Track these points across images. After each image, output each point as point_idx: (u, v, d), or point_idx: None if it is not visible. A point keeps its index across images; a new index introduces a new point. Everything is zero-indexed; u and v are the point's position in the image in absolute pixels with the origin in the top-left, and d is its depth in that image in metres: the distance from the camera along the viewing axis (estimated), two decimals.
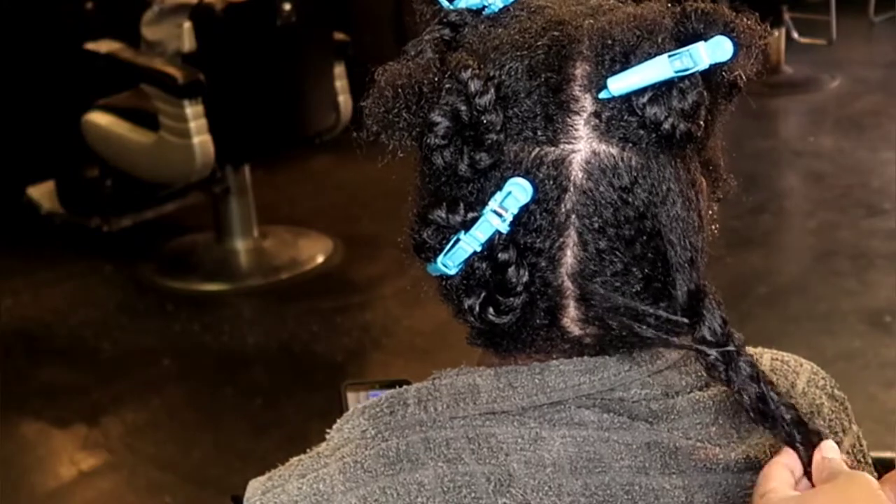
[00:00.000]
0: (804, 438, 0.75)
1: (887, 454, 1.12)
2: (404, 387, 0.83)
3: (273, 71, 3.98)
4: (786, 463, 0.74)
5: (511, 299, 0.76)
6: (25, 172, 4.36)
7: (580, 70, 0.74)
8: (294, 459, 0.83)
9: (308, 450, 0.84)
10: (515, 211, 0.74)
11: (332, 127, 4.20)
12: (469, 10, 0.80)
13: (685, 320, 0.75)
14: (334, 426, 0.84)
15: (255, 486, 0.82)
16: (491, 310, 0.76)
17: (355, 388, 1.16)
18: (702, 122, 0.74)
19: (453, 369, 0.83)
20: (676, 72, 0.72)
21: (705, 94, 0.74)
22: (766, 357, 0.90)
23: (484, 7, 0.80)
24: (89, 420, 3.28)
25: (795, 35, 6.27)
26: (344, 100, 4.16)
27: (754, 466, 0.80)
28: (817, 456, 0.74)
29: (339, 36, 4.16)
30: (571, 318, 0.78)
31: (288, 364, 3.54)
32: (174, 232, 4.44)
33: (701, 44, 0.72)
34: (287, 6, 3.86)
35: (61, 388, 3.44)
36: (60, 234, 4.31)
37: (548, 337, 0.79)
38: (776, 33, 6.08)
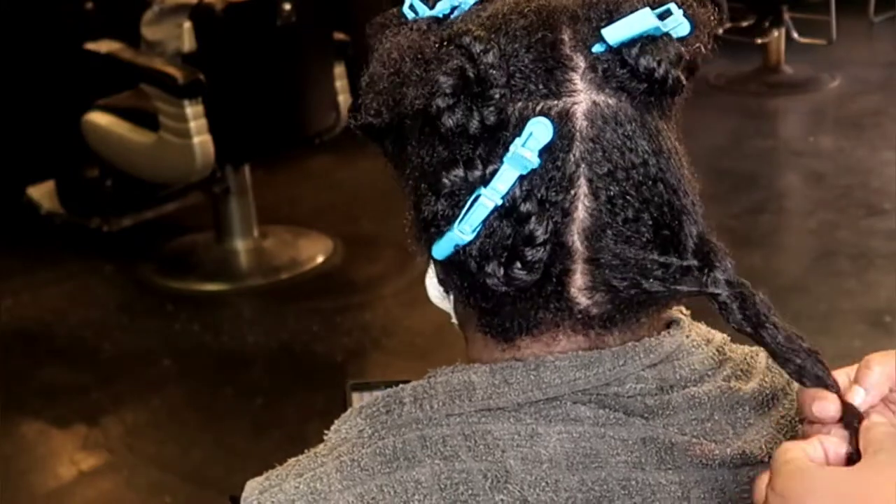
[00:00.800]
0: (833, 384, 0.75)
1: None
2: (400, 385, 0.83)
3: (273, 71, 3.98)
4: (804, 447, 0.72)
5: (537, 250, 0.76)
6: (25, 172, 4.36)
7: (568, 34, 0.77)
8: (291, 460, 0.84)
9: (307, 450, 0.84)
10: (537, 153, 0.75)
11: (332, 127, 4.20)
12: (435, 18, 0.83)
13: (696, 263, 0.77)
14: (332, 427, 0.85)
15: (252, 486, 0.82)
16: (518, 265, 0.76)
17: (360, 389, 1.16)
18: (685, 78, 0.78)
19: (448, 367, 0.83)
20: (658, 27, 0.76)
21: (682, 49, 0.77)
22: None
23: (454, 9, 0.83)
24: (89, 420, 3.28)
25: (795, 35, 6.27)
26: (344, 100, 4.16)
27: (750, 462, 0.80)
28: (864, 422, 0.72)
29: (339, 36, 4.16)
30: (579, 287, 0.78)
31: (288, 364, 3.54)
32: (174, 232, 4.44)
33: (673, 5, 0.77)
34: (287, 6, 3.86)
35: (61, 388, 3.44)
36: (60, 234, 4.31)
37: (557, 309, 0.79)
38: (776, 33, 6.09)
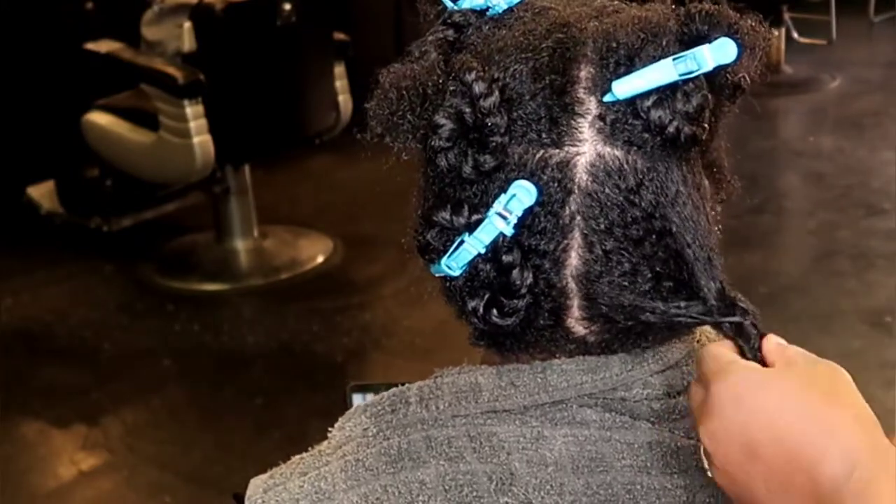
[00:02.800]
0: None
1: None
2: (406, 385, 0.83)
3: (273, 71, 3.98)
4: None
5: (515, 301, 0.75)
6: (25, 172, 4.36)
7: (584, 73, 0.74)
8: (296, 458, 0.83)
9: (309, 449, 0.84)
10: (520, 213, 0.73)
11: (332, 127, 4.20)
12: (473, 10, 0.80)
13: (724, 319, 0.74)
14: (336, 424, 0.84)
15: (256, 484, 0.82)
16: (495, 311, 0.76)
17: (361, 391, 1.16)
18: (706, 125, 0.74)
19: (455, 368, 0.83)
20: (681, 75, 0.72)
21: (709, 96, 0.73)
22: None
23: (488, 8, 0.80)
24: (89, 420, 3.28)
25: (795, 35, 6.27)
26: (344, 100, 4.16)
27: None
28: (769, 342, 0.72)
29: (339, 36, 4.16)
30: (576, 318, 0.78)
31: (288, 364, 3.54)
32: (174, 232, 4.44)
33: (705, 46, 0.72)
34: (287, 6, 3.86)
35: (61, 388, 3.44)
36: (60, 234, 4.31)
37: (552, 338, 0.79)
38: (776, 33, 6.09)
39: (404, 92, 0.76)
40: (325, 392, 3.21)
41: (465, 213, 0.75)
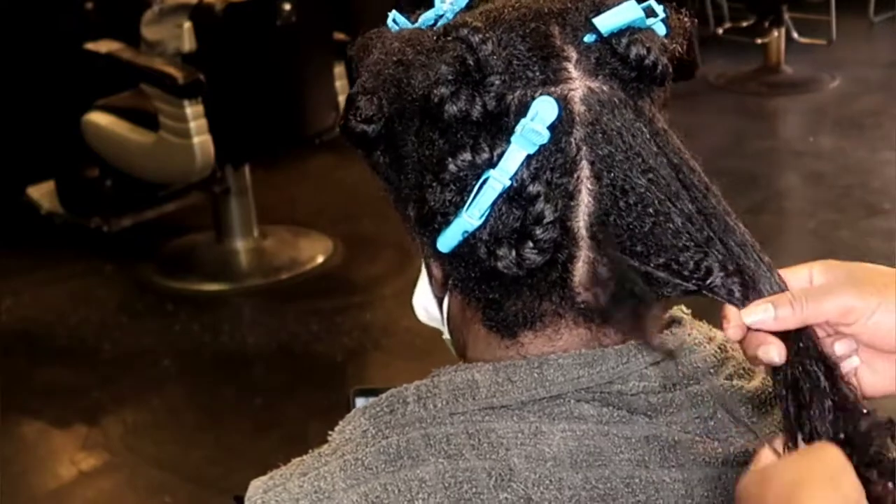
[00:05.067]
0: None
1: None
2: (404, 385, 0.83)
3: (273, 71, 3.98)
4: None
5: (547, 229, 0.76)
6: (25, 172, 4.36)
7: (557, 29, 0.79)
8: (295, 460, 0.84)
9: (310, 450, 0.84)
10: (545, 132, 0.76)
11: (332, 127, 4.20)
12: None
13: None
14: (336, 428, 0.85)
15: (256, 486, 0.82)
16: (529, 244, 0.76)
17: (364, 395, 1.16)
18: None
19: (451, 366, 0.83)
20: (642, 19, 0.78)
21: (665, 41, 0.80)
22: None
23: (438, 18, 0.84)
24: (89, 420, 3.29)
25: (795, 35, 6.27)
26: (344, 100, 4.15)
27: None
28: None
29: (339, 36, 4.16)
30: (580, 279, 0.79)
31: (288, 364, 3.54)
32: (174, 232, 4.44)
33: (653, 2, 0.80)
34: (287, 6, 3.86)
35: (61, 388, 3.44)
36: (60, 234, 4.31)
37: (560, 298, 0.79)
38: (776, 33, 6.09)
39: (406, 44, 0.81)
40: (325, 392, 3.21)
41: (487, 150, 0.77)
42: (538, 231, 0.76)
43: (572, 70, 0.78)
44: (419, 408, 0.81)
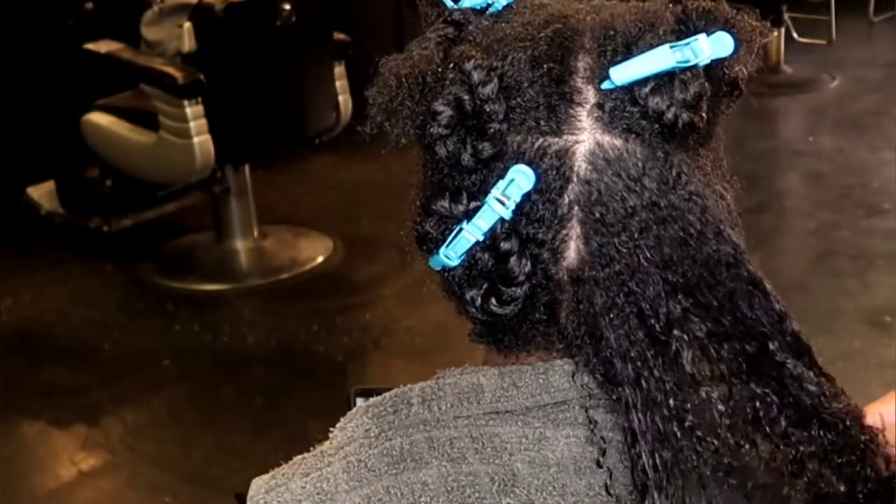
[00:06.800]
0: None
1: None
2: (408, 386, 0.82)
3: (273, 71, 3.98)
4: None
5: (513, 289, 0.76)
6: (25, 172, 4.36)
7: (582, 62, 0.74)
8: (297, 458, 0.83)
9: (310, 449, 0.84)
10: (518, 199, 0.74)
11: (332, 127, 4.20)
12: (473, 9, 0.81)
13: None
14: (338, 425, 0.84)
15: (258, 485, 0.82)
16: (493, 300, 0.76)
17: (365, 395, 1.16)
18: (704, 115, 0.74)
19: (457, 368, 0.83)
20: (678, 62, 0.72)
21: (707, 86, 0.74)
22: None
23: (488, 6, 0.80)
24: (89, 420, 3.28)
25: (795, 35, 6.27)
26: (344, 100, 4.16)
27: None
28: None
29: (339, 36, 4.16)
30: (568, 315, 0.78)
31: (288, 364, 3.54)
32: (174, 232, 4.44)
33: (702, 36, 0.73)
34: (287, 6, 3.86)
35: (61, 388, 3.44)
36: (60, 234, 4.30)
37: (546, 333, 0.79)
38: (776, 33, 6.08)
39: (404, 80, 0.77)
40: (325, 392, 3.21)
41: (464, 201, 0.75)
42: (504, 289, 0.76)
43: (583, 119, 0.74)
44: (423, 410, 0.80)
